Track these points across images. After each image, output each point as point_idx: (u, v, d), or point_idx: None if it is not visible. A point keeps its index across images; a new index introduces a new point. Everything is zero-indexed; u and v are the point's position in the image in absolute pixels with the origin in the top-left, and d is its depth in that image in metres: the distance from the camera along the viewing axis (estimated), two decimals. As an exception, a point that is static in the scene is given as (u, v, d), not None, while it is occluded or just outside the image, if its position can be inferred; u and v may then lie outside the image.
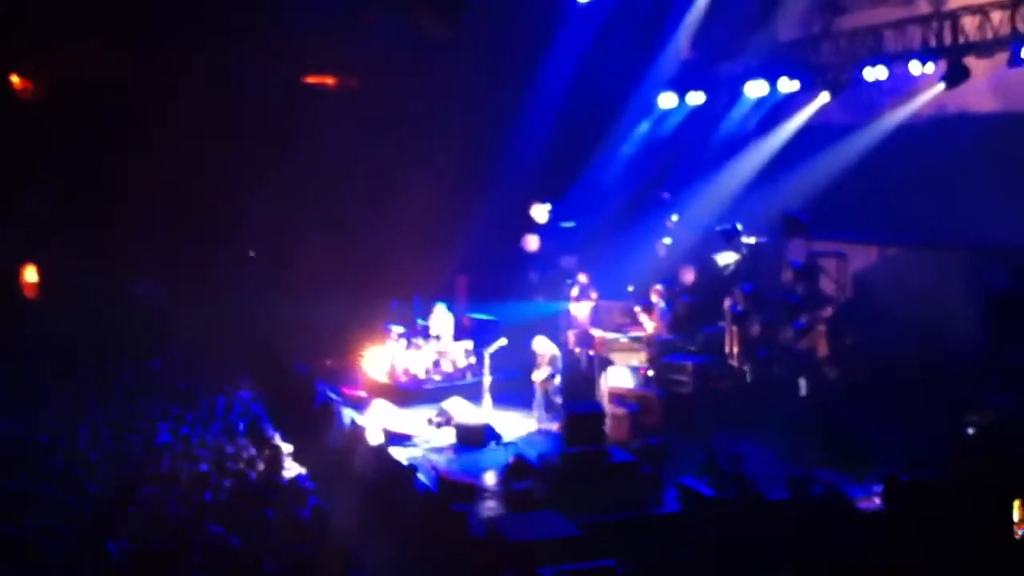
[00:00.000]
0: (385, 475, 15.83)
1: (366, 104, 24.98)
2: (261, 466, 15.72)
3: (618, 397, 17.60)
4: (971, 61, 17.05)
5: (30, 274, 24.94)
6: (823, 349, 18.95)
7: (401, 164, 24.31)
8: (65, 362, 21.32)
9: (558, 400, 17.87)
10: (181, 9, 22.94)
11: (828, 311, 19.08)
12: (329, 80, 26.67)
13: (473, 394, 18.76)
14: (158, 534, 13.02)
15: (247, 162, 24.23)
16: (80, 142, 23.91)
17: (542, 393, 17.93)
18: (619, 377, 18.23)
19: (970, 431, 14.07)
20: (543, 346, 18.03)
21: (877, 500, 13.21)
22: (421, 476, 15.47)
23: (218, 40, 23.33)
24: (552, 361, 17.97)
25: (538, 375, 17.95)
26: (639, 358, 18.84)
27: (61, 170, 24.06)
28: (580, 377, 19.60)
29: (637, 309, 19.66)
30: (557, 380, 17.97)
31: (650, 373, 18.50)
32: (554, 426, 17.48)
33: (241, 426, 17.66)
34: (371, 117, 24.67)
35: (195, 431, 17.36)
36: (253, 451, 16.44)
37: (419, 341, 20.56)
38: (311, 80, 26.48)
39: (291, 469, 15.85)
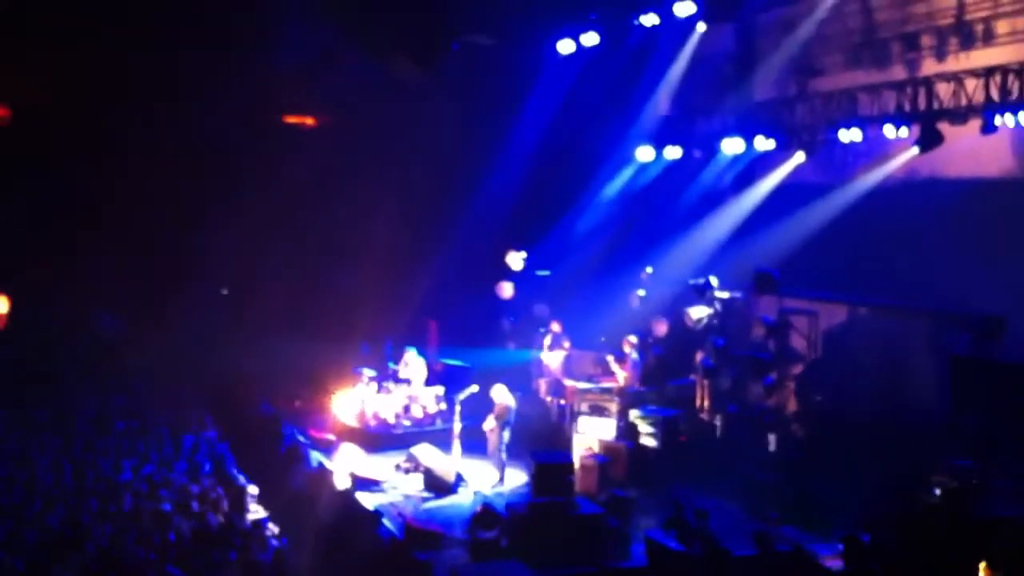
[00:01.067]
0: (350, 520, 15.71)
1: (339, 145, 25.09)
2: (225, 507, 15.58)
3: (587, 448, 17.58)
4: (945, 127, 17.28)
5: (1, 304, 24.77)
6: (792, 406, 19.04)
7: (374, 206, 24.38)
8: (28, 394, 21.15)
9: (504, 454, 17.73)
10: (151, 45, 23.02)
11: (798, 368, 19.18)
12: (308, 120, 26.77)
13: (443, 441, 18.63)
14: (115, 573, 12.88)
15: (216, 199, 24.25)
16: (48, 172, 23.88)
17: (493, 445, 17.85)
18: (589, 428, 18.22)
19: (936, 492, 14.11)
20: (500, 395, 17.93)
21: (840, 560, 13.21)
22: (387, 522, 15.37)
23: (190, 77, 23.38)
24: (504, 412, 17.80)
25: (488, 423, 17.88)
26: (610, 409, 18.81)
27: (28, 200, 23.97)
28: (550, 426, 19.60)
29: (609, 359, 19.68)
30: (507, 434, 17.73)
31: (619, 424, 18.48)
32: (495, 480, 17.42)
33: (207, 466, 17.52)
34: (346, 158, 24.79)
35: (159, 470, 17.22)
36: (218, 492, 16.30)
37: (390, 385, 20.48)
38: (290, 120, 26.57)
39: (255, 512, 15.71)
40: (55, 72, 23.55)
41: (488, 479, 17.59)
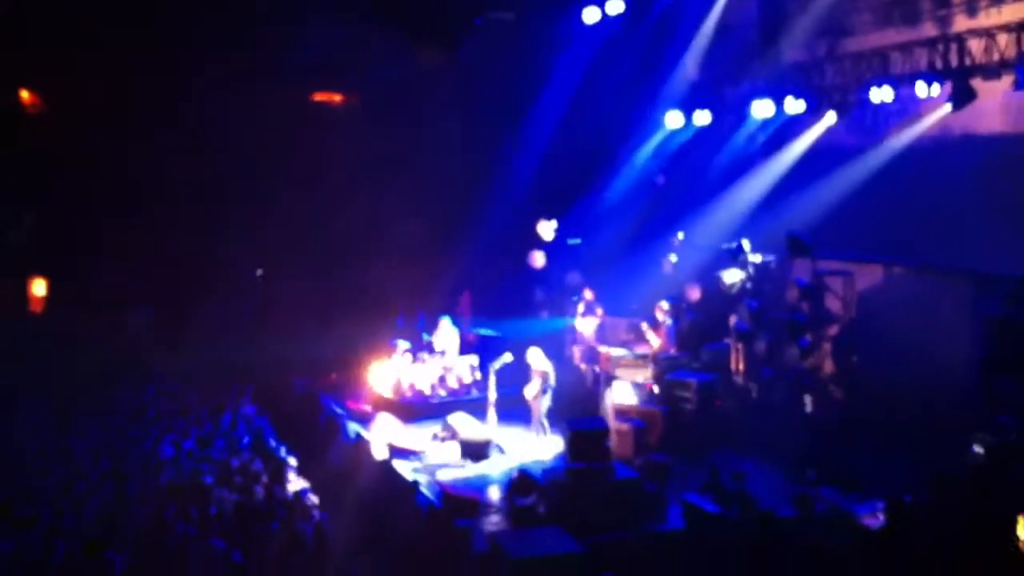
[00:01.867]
0: (389, 490, 15.85)
1: (371, 122, 25.11)
2: (265, 480, 15.73)
3: (623, 413, 17.61)
4: (977, 83, 17.10)
5: (38, 287, 24.99)
6: (828, 368, 18.93)
7: (405, 182, 24.41)
8: (64, 381, 21.36)
9: (545, 420, 17.82)
10: (178, 31, 23.09)
11: (834, 330, 19.06)
12: (336, 97, 26.79)
13: (478, 410, 18.76)
14: (159, 547, 13.05)
15: (246, 181, 24.32)
16: (85, 159, 24.00)
17: (536, 410, 17.94)
18: (624, 393, 18.24)
19: (977, 449, 14.04)
20: (536, 360, 18.01)
21: (881, 517, 13.17)
22: (425, 491, 15.50)
23: (220, 71, 23.40)
24: (544, 376, 17.90)
25: (529, 390, 17.95)
26: (644, 375, 18.84)
27: (65, 187, 24.17)
28: (585, 393, 19.64)
29: (643, 326, 19.69)
30: (548, 398, 17.88)
31: (655, 389, 18.50)
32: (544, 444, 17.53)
33: (246, 440, 17.68)
34: (375, 136, 24.80)
35: (198, 445, 17.39)
36: (258, 465, 16.45)
37: (425, 356, 20.58)
38: (319, 98, 26.60)
39: (296, 483, 15.85)
40: (86, 61, 23.61)
41: (525, 446, 17.68)
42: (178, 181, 23.98)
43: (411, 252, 24.50)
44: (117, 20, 22.99)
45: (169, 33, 23.27)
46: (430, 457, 17.32)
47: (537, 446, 17.66)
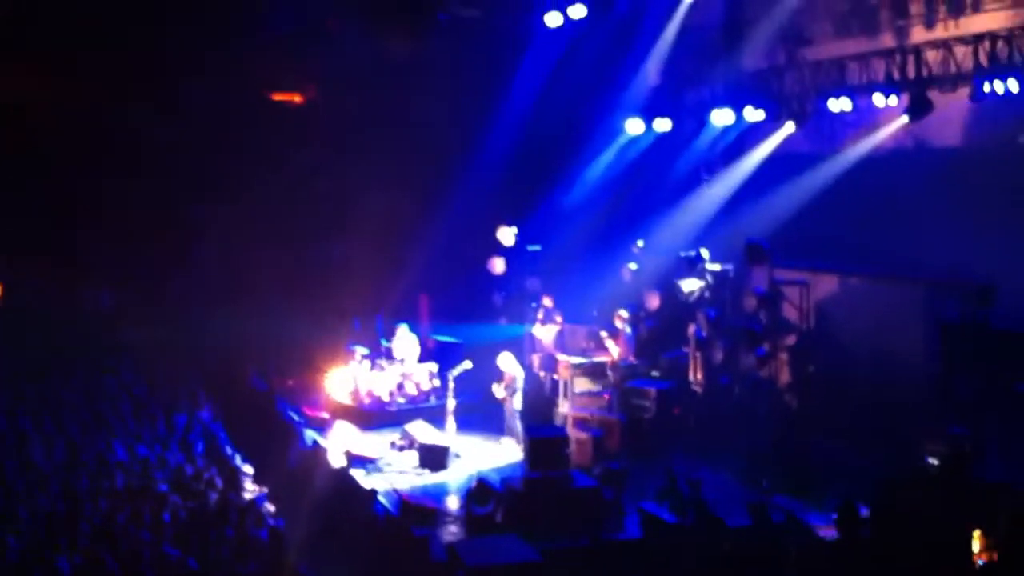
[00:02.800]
0: (346, 498, 15.73)
1: (328, 120, 24.97)
2: (220, 486, 15.59)
3: (581, 421, 17.62)
4: (934, 94, 17.24)
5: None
6: (785, 376, 19.06)
7: (363, 181, 24.27)
8: (22, 374, 21.12)
9: (517, 422, 17.86)
10: (142, 23, 22.87)
11: (791, 339, 19.19)
12: (296, 97, 26.62)
13: (437, 417, 18.74)
14: (110, 552, 12.88)
15: (206, 175, 24.14)
16: (37, 153, 23.73)
17: (508, 413, 18.05)
18: (583, 401, 18.26)
19: (931, 460, 14.15)
20: (506, 364, 18.06)
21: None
22: (382, 499, 15.41)
23: (180, 53, 23.23)
24: (512, 380, 18.04)
25: (497, 390, 17.95)
26: (602, 383, 18.86)
27: (14, 184, 23.88)
28: (543, 401, 19.63)
29: (603, 334, 19.71)
30: (517, 399, 18.01)
31: (613, 398, 18.55)
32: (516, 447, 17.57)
33: (200, 446, 17.52)
34: (333, 134, 24.67)
35: (153, 450, 17.21)
36: (212, 471, 16.30)
37: (383, 363, 20.48)
38: (277, 97, 26.41)
39: (251, 491, 15.72)
40: (39, 55, 23.34)
41: (488, 452, 17.67)
42: (142, 162, 23.83)
43: (369, 253, 24.36)
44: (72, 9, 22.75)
45: (133, 17, 23.07)
46: (388, 465, 17.23)
47: (506, 451, 17.66)
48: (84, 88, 23.83)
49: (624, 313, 19.81)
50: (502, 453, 17.75)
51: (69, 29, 22.81)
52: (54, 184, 24.10)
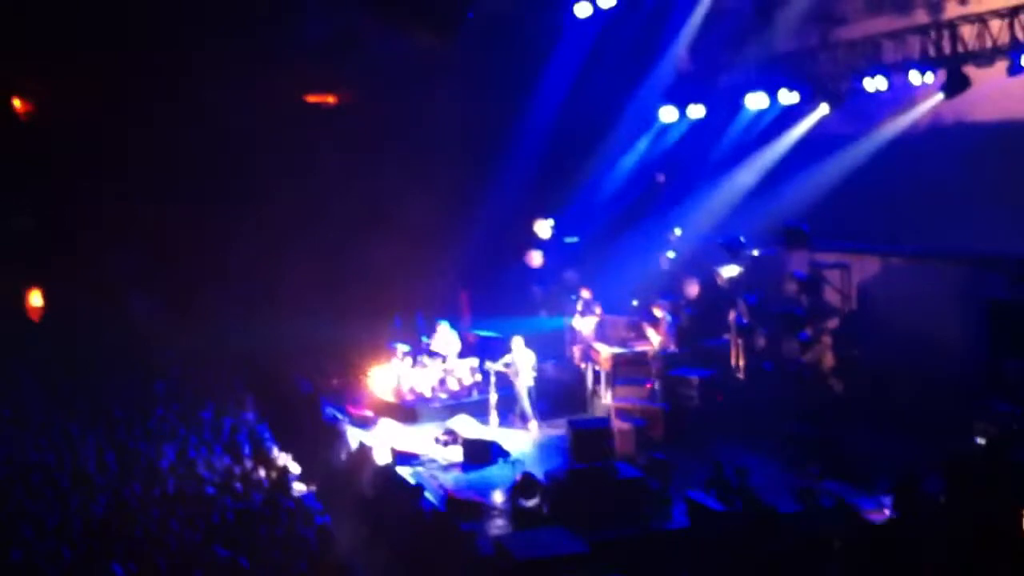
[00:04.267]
0: (392, 494, 15.80)
1: (364, 122, 25.05)
2: (267, 486, 15.72)
3: (624, 412, 17.58)
4: (970, 70, 17.05)
5: (35, 298, 24.95)
6: (828, 360, 18.92)
7: (400, 181, 24.35)
8: (69, 384, 21.36)
9: (527, 403, 18.62)
10: (178, 27, 23.03)
11: (833, 322, 19.05)
12: (330, 99, 26.72)
13: (479, 412, 18.80)
14: (163, 556, 13.03)
15: (243, 181, 24.28)
16: (77, 163, 23.96)
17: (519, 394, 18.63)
18: (625, 392, 18.23)
19: (978, 440, 14.01)
20: (515, 346, 18.73)
21: (886, 512, 13.16)
22: (428, 495, 15.47)
23: (216, 59, 23.36)
24: (511, 362, 18.72)
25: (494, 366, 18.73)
26: (644, 373, 18.83)
27: (55, 190, 24.16)
28: (586, 393, 19.64)
29: (643, 324, 19.66)
30: (521, 381, 18.70)
31: (656, 387, 18.50)
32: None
33: (247, 448, 17.66)
34: (369, 135, 24.74)
35: (200, 453, 17.37)
36: (260, 473, 16.44)
37: (424, 359, 20.54)
38: (312, 99, 26.53)
39: (298, 490, 15.83)
40: (77, 60, 23.56)
41: (515, 439, 17.89)
42: (177, 172, 23.99)
43: (408, 251, 24.40)
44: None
45: (167, 24, 23.21)
46: (433, 461, 17.30)
47: (522, 434, 18.06)
48: (115, 88, 24.00)
49: (664, 302, 19.77)
50: (528, 432, 18.29)
51: (104, 36, 23.02)
52: (92, 191, 24.32)
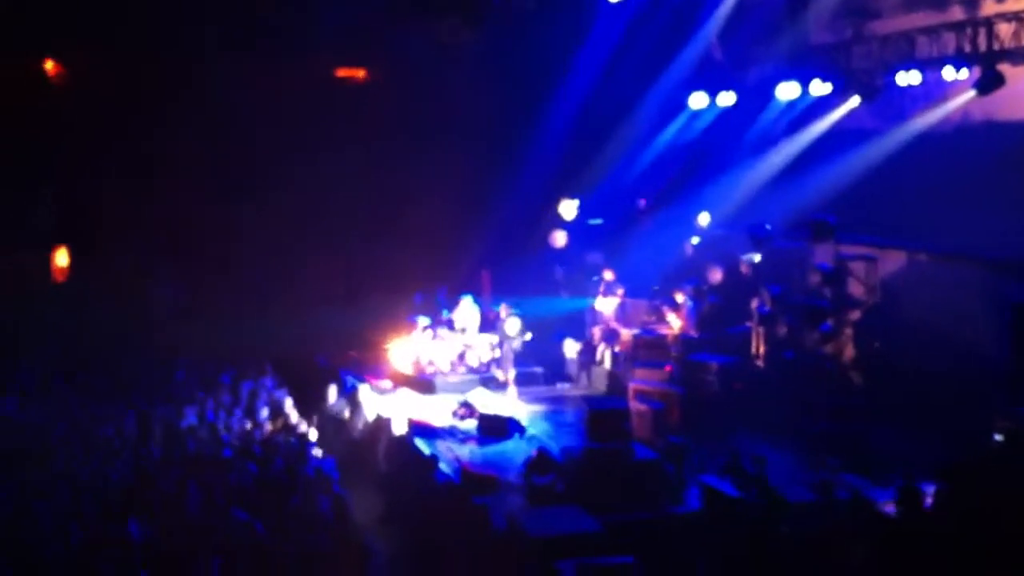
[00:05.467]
0: (408, 465, 15.91)
1: (387, 105, 24.99)
2: (286, 453, 15.83)
3: (642, 394, 17.63)
4: (1005, 68, 16.96)
5: (61, 257, 25.03)
6: (849, 353, 18.88)
7: (427, 159, 24.37)
8: (89, 350, 21.47)
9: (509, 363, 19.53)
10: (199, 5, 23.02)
11: (856, 315, 18.99)
12: (359, 73, 26.65)
13: (497, 387, 18.89)
14: (181, 517, 13.15)
15: (267, 158, 24.24)
16: (104, 133, 23.93)
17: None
18: (644, 374, 18.27)
19: (997, 437, 13.99)
20: (503, 312, 19.78)
21: (896, 504, 13.17)
22: (443, 467, 15.56)
23: (239, 39, 23.30)
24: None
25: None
26: (664, 356, 18.87)
27: (85, 160, 24.15)
28: (605, 374, 19.71)
29: (664, 308, 19.70)
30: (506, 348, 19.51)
31: (674, 371, 18.55)
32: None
33: (266, 412, 17.77)
34: (397, 114, 24.70)
35: (219, 416, 17.51)
36: (279, 438, 16.55)
37: (444, 333, 20.62)
38: (342, 73, 26.45)
39: (316, 456, 15.94)
40: (106, 35, 23.49)
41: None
42: (199, 155, 23.93)
43: (433, 228, 24.43)
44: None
45: (190, 6, 23.19)
46: (449, 434, 17.39)
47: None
48: (143, 63, 23.95)
49: (687, 287, 19.81)
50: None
51: (118, 22, 22.98)
52: (111, 175, 24.24)
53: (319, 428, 17.52)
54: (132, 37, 23.25)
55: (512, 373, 19.30)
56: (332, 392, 18.28)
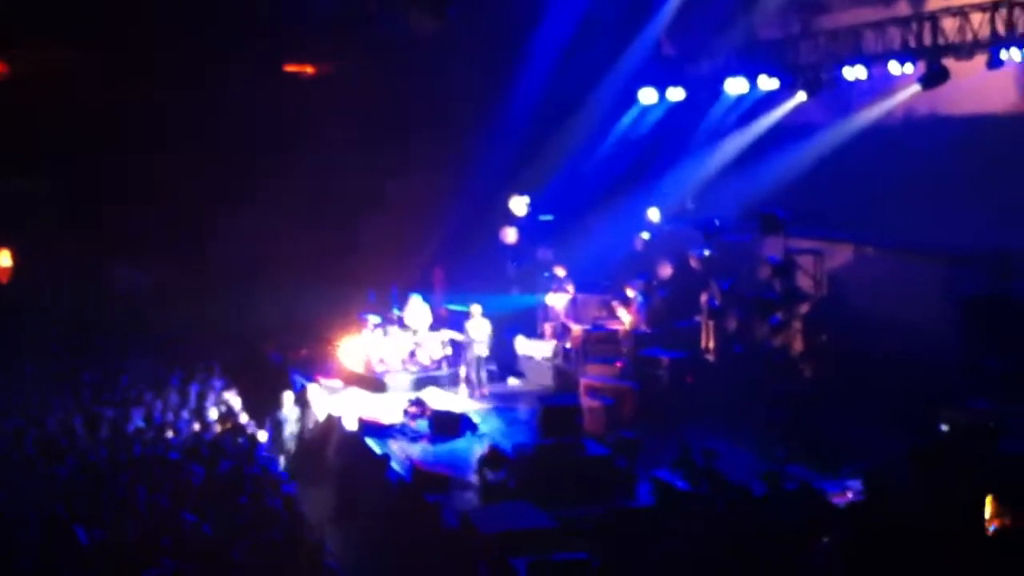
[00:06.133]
0: (359, 464, 15.82)
1: (342, 98, 24.86)
2: (234, 453, 15.67)
3: (594, 390, 17.64)
4: (949, 63, 17.14)
5: (3, 258, 24.64)
6: (798, 346, 19.00)
7: (378, 155, 24.25)
8: (38, 348, 21.18)
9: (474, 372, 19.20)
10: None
11: (805, 308, 19.12)
12: (308, 69, 26.50)
13: (449, 385, 18.81)
14: (129, 520, 12.97)
15: (224, 155, 24.06)
16: (59, 127, 23.63)
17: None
18: (596, 370, 18.28)
19: (944, 428, 14.12)
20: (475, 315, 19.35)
21: (850, 495, 13.26)
22: (395, 466, 15.48)
23: (201, 30, 23.13)
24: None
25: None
26: (615, 351, 18.89)
27: (40, 154, 23.85)
28: (556, 370, 19.70)
29: (615, 303, 19.71)
30: (472, 351, 19.20)
31: (625, 366, 18.59)
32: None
33: (214, 413, 17.60)
34: (349, 109, 24.57)
35: (166, 418, 17.30)
36: (227, 439, 16.38)
37: (395, 331, 20.52)
38: (290, 69, 26.29)
39: (264, 458, 15.80)
40: (70, 27, 23.22)
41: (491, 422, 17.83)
42: (154, 142, 23.79)
43: (384, 225, 24.34)
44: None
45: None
46: (401, 432, 17.29)
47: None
48: (102, 54, 23.69)
49: (637, 282, 19.84)
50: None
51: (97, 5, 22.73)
52: (77, 161, 24.02)
53: (270, 428, 17.35)
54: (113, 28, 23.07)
55: (484, 374, 19.29)
56: (287, 397, 18.08)
